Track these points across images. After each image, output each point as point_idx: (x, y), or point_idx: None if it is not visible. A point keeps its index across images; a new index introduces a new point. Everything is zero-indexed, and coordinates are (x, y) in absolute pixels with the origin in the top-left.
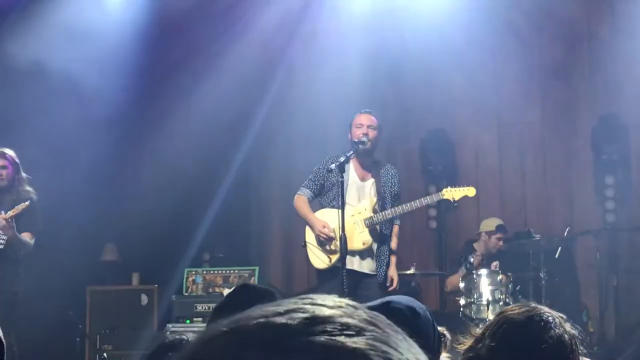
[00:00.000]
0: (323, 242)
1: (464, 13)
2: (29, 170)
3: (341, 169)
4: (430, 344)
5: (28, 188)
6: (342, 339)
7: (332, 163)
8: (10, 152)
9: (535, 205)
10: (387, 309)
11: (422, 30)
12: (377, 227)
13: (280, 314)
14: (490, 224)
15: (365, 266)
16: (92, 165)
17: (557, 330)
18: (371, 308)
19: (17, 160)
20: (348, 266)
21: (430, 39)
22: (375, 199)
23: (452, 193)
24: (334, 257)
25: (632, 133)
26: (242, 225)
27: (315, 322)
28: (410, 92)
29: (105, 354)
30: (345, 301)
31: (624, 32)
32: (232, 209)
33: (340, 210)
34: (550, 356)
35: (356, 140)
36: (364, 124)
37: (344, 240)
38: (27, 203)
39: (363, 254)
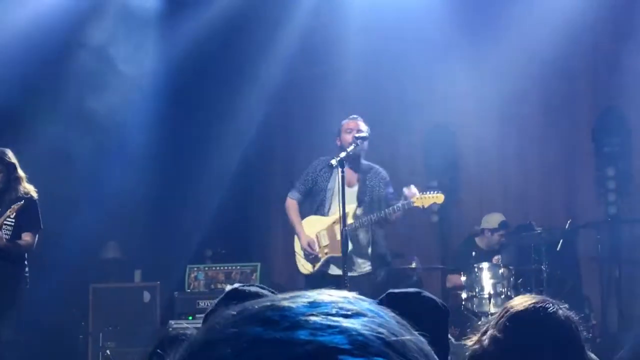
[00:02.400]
0: (307, 254)
1: (463, 6)
2: (28, 169)
3: (341, 164)
4: (446, 344)
5: (27, 186)
6: (338, 319)
7: (323, 166)
8: (3, 152)
9: (537, 198)
10: (420, 298)
11: (422, 24)
12: (368, 230)
13: (284, 299)
14: (492, 220)
15: (357, 269)
16: (94, 162)
17: (562, 320)
18: (404, 294)
19: (12, 159)
20: (334, 272)
21: (431, 32)
22: (355, 205)
23: (421, 200)
24: (317, 265)
25: (632, 125)
26: (244, 222)
27: (315, 305)
28: (412, 87)
29: (108, 351)
30: (351, 293)
31: (625, 26)
32: (234, 205)
33: (320, 217)
34: (557, 346)
35: (355, 136)
36: (353, 129)
37: (343, 243)
38: (20, 203)
39: (353, 257)
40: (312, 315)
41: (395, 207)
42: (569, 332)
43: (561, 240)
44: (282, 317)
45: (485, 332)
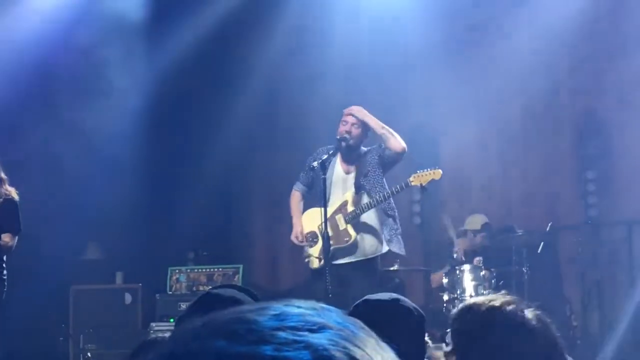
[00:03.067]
0: (308, 244)
1: (445, 9)
2: (10, 171)
3: (323, 167)
4: (421, 350)
5: (9, 188)
6: (304, 333)
7: (314, 160)
8: None
9: (518, 201)
10: (396, 306)
11: (403, 25)
12: (376, 211)
13: (251, 311)
14: (475, 222)
15: (361, 253)
16: (75, 164)
17: (517, 321)
18: (379, 301)
19: None
20: (339, 261)
21: (411, 34)
22: (353, 192)
23: (419, 178)
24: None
25: (613, 127)
26: (226, 224)
27: (282, 318)
28: (392, 88)
29: (89, 354)
30: (321, 305)
31: (607, 28)
32: (216, 207)
33: (322, 209)
34: (507, 347)
35: (338, 137)
36: (348, 122)
37: (326, 238)
38: (0, 200)
39: (358, 242)
40: (279, 329)
41: (393, 189)
42: (523, 336)
43: (542, 243)
44: (247, 330)
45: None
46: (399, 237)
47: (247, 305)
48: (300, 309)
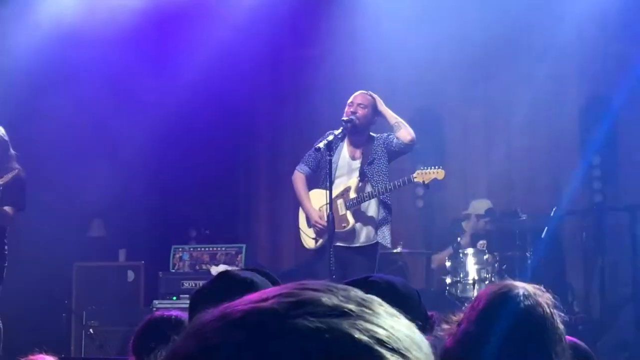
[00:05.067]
0: (315, 228)
1: None
2: (16, 148)
3: (329, 147)
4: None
5: (17, 165)
6: (326, 319)
7: (321, 141)
8: None
9: (522, 185)
10: (365, 283)
11: (408, 5)
12: (376, 200)
13: (267, 299)
14: (479, 206)
15: (358, 241)
16: (80, 140)
17: (526, 303)
18: (351, 282)
19: (6, 138)
20: (338, 243)
21: (416, 15)
22: (357, 179)
23: (422, 176)
24: (320, 240)
25: (619, 113)
26: (229, 203)
27: (301, 305)
28: (397, 70)
29: (91, 330)
30: (337, 285)
31: (613, 14)
32: (220, 185)
33: (327, 191)
34: (522, 329)
35: (344, 119)
36: (354, 102)
37: (331, 219)
38: (9, 175)
39: (357, 229)
40: (299, 317)
41: (396, 183)
42: (532, 315)
43: (546, 228)
44: (266, 320)
45: (458, 323)
46: (389, 228)
47: (261, 293)
48: (317, 292)
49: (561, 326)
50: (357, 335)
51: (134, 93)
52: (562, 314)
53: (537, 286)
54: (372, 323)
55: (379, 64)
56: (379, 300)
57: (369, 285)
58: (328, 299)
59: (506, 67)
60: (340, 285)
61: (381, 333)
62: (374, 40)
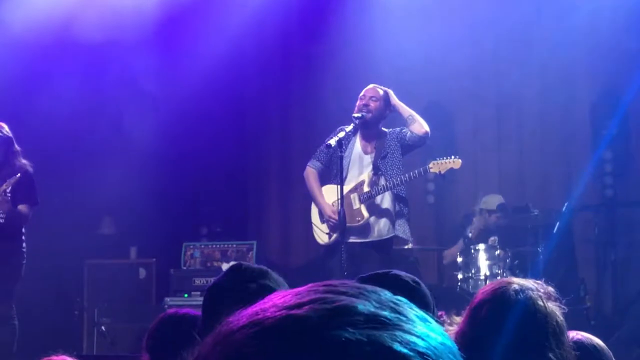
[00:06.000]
0: (328, 223)
1: None
2: (24, 145)
3: (340, 144)
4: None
5: (23, 161)
6: (366, 331)
7: (332, 137)
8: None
9: (534, 180)
10: (387, 277)
11: (419, 1)
12: (390, 194)
13: (301, 305)
14: (491, 202)
15: (373, 235)
16: (91, 137)
17: (517, 298)
18: (374, 275)
19: (10, 134)
20: (350, 239)
21: (427, 10)
22: (371, 173)
23: (438, 166)
24: (334, 235)
25: (630, 107)
26: (240, 200)
27: (339, 314)
28: (407, 66)
29: (103, 327)
30: (366, 287)
31: (623, 8)
32: (230, 182)
33: (338, 187)
34: (514, 325)
35: (355, 115)
36: (366, 96)
37: (342, 215)
38: (16, 177)
39: (370, 223)
40: (337, 328)
41: (411, 174)
42: (528, 311)
43: (558, 223)
44: (303, 330)
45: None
46: (407, 222)
47: (293, 296)
48: (351, 298)
49: (560, 319)
50: (398, 348)
51: (145, 91)
52: (563, 307)
53: (537, 281)
54: (410, 333)
55: (389, 59)
56: (408, 303)
57: (392, 280)
58: (363, 306)
59: (517, 63)
60: (369, 287)
61: (420, 345)
62: (384, 35)
